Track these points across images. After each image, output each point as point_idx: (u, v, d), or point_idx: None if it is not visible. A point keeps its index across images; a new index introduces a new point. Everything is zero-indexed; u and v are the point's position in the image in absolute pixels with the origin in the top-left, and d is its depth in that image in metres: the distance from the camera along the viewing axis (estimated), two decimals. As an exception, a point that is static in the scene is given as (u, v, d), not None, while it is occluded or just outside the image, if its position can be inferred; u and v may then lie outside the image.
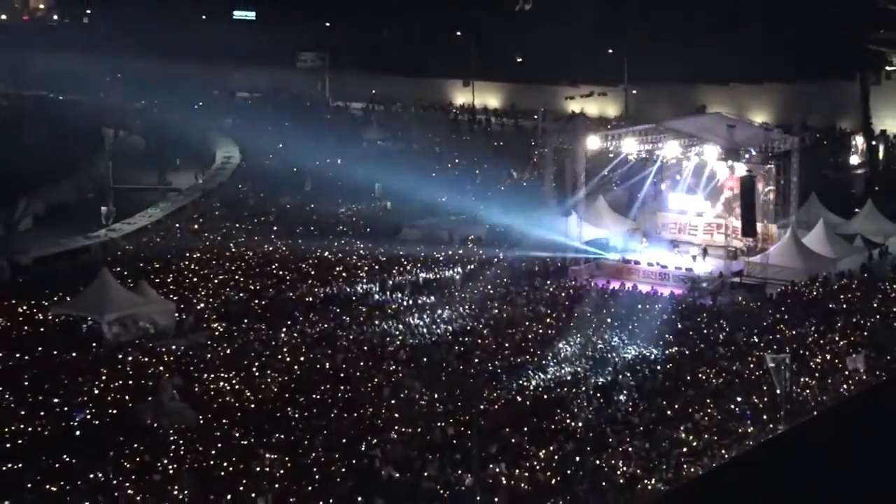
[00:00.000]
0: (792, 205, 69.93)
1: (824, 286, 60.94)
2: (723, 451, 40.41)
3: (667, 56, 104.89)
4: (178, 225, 76.92)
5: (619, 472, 39.57)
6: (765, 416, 43.72)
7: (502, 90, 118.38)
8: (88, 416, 45.08)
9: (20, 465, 40.16)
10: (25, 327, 56.04)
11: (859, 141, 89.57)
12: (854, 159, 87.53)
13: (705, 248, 69.67)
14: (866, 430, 6.34)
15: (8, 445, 42.48)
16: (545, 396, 46.57)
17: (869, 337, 52.30)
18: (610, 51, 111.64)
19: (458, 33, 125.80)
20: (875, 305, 57.00)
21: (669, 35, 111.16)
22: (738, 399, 45.51)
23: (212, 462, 40.50)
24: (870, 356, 49.12)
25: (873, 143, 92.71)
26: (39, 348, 52.85)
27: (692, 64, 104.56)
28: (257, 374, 49.12)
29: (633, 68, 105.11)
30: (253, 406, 45.95)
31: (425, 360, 50.83)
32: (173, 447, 41.69)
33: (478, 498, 37.51)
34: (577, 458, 40.46)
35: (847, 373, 47.73)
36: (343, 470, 39.73)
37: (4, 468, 40.19)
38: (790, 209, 69.75)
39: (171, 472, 39.74)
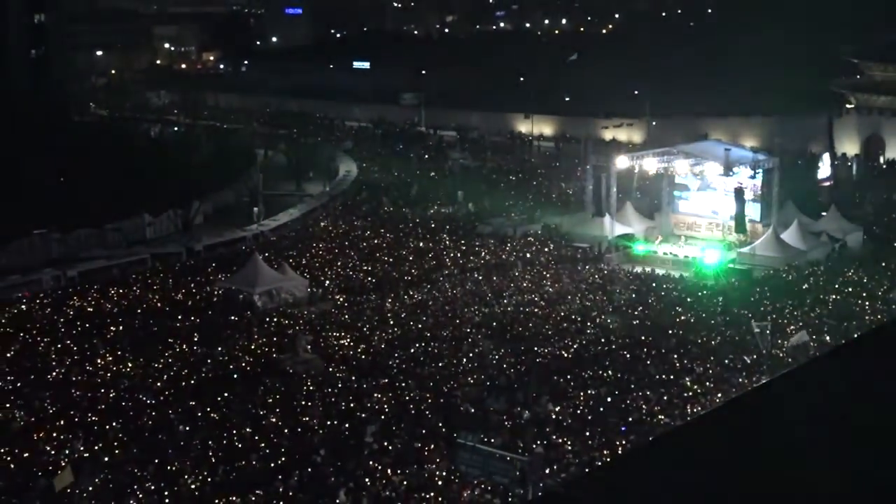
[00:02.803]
0: (773, 208, 69.27)
1: (797, 271, 60.39)
2: (719, 396, 40.11)
3: (678, 96, 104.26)
4: (310, 221, 77.25)
5: (640, 410, 39.40)
6: (752, 370, 43.42)
7: (554, 121, 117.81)
8: (244, 364, 45.46)
9: (193, 402, 40.51)
10: (197, 297, 56.54)
11: (825, 160, 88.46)
12: (821, 174, 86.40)
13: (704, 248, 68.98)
14: (831, 381, 6.27)
15: (183, 384, 42.93)
16: (585, 352, 46.41)
17: (831, 310, 51.82)
18: (636, 92, 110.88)
19: (521, 79, 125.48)
20: (836, 287, 56.28)
21: (680, 81, 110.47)
22: (731, 356, 45.19)
23: (334, 399, 40.71)
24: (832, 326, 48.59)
25: (836, 162, 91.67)
26: (208, 312, 53.33)
27: (698, 102, 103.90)
28: (368, 333, 49.31)
29: (653, 105, 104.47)
30: (365, 357, 46.12)
31: (495, 323, 50.80)
32: (306, 387, 41.94)
33: (533, 428, 37.43)
34: (609, 399, 40.34)
35: (815, 337, 47.21)
36: (431, 406, 39.84)
37: (182, 403, 40.58)
38: (772, 212, 69.09)
39: (303, 405, 39.99)
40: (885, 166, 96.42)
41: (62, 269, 62.06)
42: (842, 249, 66.18)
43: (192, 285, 58.61)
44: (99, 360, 45.54)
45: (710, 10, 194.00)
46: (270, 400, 40.56)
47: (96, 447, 36.36)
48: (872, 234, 69.14)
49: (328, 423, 38.25)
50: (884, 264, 60.25)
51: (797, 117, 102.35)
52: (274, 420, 38.53)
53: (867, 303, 52.95)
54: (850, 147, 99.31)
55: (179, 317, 52.17)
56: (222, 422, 38.42)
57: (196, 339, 48.47)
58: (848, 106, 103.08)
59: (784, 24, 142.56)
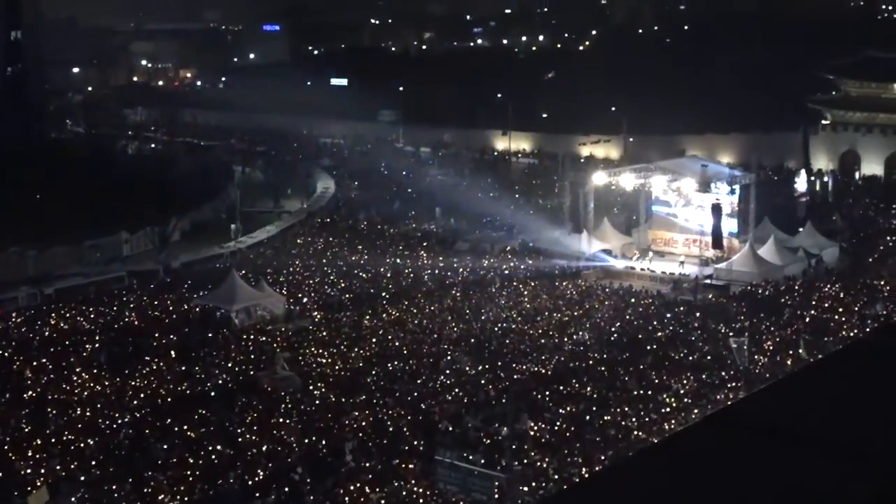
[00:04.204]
0: (750, 224, 69.51)
1: (774, 287, 60.55)
2: (696, 411, 40.14)
3: (656, 112, 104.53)
4: (288, 238, 77.13)
5: (618, 426, 39.38)
6: (733, 385, 43.49)
7: (532, 138, 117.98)
8: (221, 382, 45.29)
9: (170, 420, 40.33)
10: (174, 314, 56.33)
11: (802, 176, 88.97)
12: (797, 190, 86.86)
13: (682, 261, 69.06)
14: (808, 397, 6.28)
15: (160, 402, 42.74)
16: (562, 368, 46.40)
17: (808, 325, 51.98)
18: (613, 108, 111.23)
19: (499, 95, 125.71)
20: (813, 302, 56.47)
21: (658, 97, 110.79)
22: (709, 372, 45.24)
23: (311, 416, 40.59)
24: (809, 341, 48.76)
25: (812, 178, 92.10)
26: (185, 330, 53.13)
27: (675, 118, 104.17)
28: (346, 350, 49.21)
29: (630, 121, 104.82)
30: (343, 374, 46.01)
31: (472, 340, 50.78)
32: (283, 405, 41.81)
33: (512, 444, 37.38)
34: (587, 416, 40.32)
35: (791, 352, 47.38)
36: (410, 423, 39.75)
37: (159, 421, 40.39)
38: (748, 228, 69.33)
39: (281, 422, 39.85)
40: (860, 182, 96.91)
41: (38, 287, 61.78)
42: (818, 265, 66.46)
43: (169, 303, 58.40)
44: (75, 378, 45.31)
45: (686, 27, 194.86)
46: (248, 417, 40.42)
47: (73, 466, 36.15)
48: (848, 250, 69.45)
49: (306, 440, 38.14)
50: (860, 280, 60.51)
51: (773, 133, 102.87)
52: (251, 438, 38.39)
53: (844, 318, 53.13)
54: (825, 163, 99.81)
55: (156, 334, 51.98)
56: (200, 440, 38.24)
57: (173, 357, 48.28)
58: (824, 122, 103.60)
59: (759, 40, 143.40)
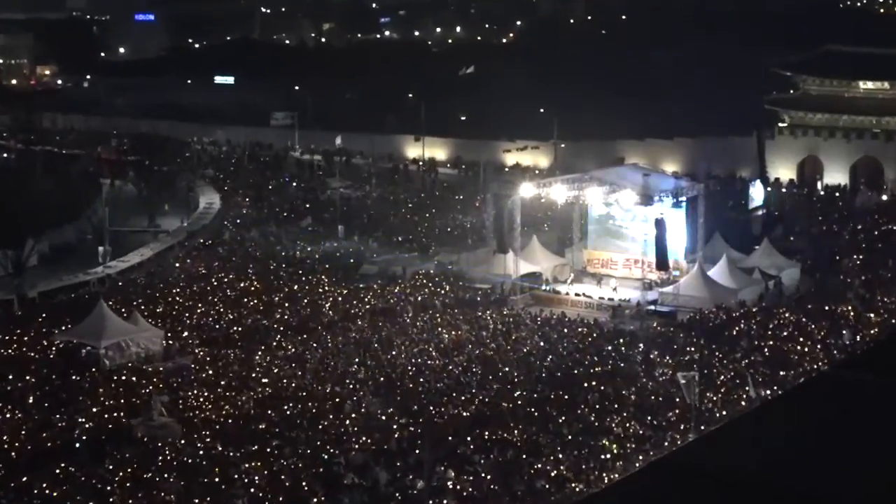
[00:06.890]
0: (699, 242, 70.23)
1: (727, 313, 61.07)
2: (640, 457, 40.40)
3: (590, 115, 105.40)
4: (166, 262, 76.45)
5: (551, 476, 39.51)
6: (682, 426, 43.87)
7: (449, 145, 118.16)
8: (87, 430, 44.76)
9: (27, 476, 39.75)
10: (31, 353, 55.53)
11: (757, 187, 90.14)
12: (752, 202, 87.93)
13: (615, 287, 69.52)
14: (766, 439, 6.32)
15: (14, 456, 42.13)
16: (487, 410, 46.47)
17: (767, 357, 52.56)
18: (541, 110, 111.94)
19: (410, 95, 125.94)
20: (771, 331, 57.08)
21: (592, 97, 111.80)
22: (654, 412, 45.57)
23: (194, 470, 40.24)
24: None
25: (769, 188, 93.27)
26: (44, 371, 52.43)
27: (612, 121, 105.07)
28: (235, 392, 48.93)
29: (561, 125, 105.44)
30: (231, 420, 45.72)
31: (382, 378, 50.70)
32: (161, 457, 41.42)
33: (429, 500, 37.35)
34: (515, 465, 40.41)
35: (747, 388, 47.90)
36: (310, 476, 39.58)
37: (15, 478, 39.80)
38: (697, 246, 70.03)
39: (159, 479, 39.45)
40: (822, 192, 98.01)
41: None
42: (776, 288, 67.21)
43: (26, 339, 57.55)
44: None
45: (623, 17, 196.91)
46: (120, 472, 39.98)
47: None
48: (810, 271, 70.25)
49: (189, 499, 37.79)
50: (824, 305, 61.18)
51: (724, 138, 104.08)
52: (124, 496, 37.97)
53: (806, 348, 53.79)
54: (784, 171, 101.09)
55: (10, 376, 51.18)
56: (62, 499, 37.75)
57: (30, 403, 47.63)
58: (781, 125, 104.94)
59: (706, 31, 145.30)
